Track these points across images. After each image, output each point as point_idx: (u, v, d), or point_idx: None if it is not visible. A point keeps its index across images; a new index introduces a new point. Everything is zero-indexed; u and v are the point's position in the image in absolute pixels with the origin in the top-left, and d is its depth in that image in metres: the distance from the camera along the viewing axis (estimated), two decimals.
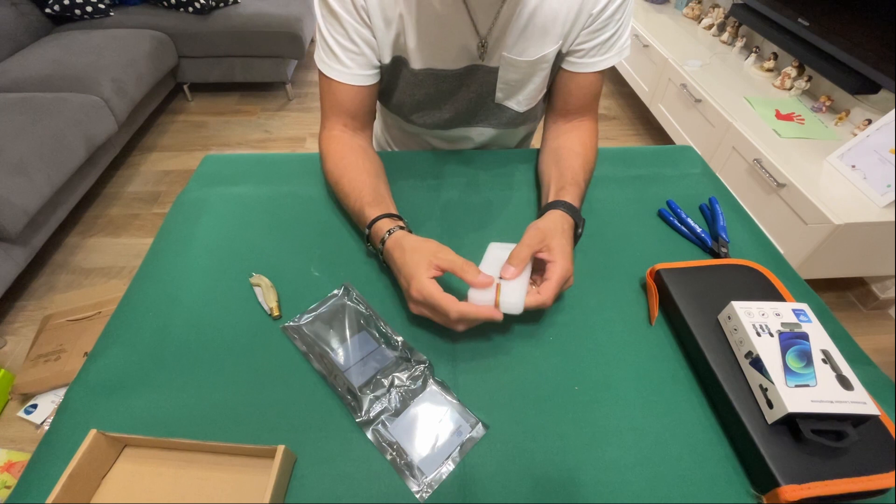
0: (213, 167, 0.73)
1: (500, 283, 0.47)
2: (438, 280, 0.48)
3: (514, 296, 0.46)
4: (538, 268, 0.51)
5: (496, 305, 0.45)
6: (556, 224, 0.52)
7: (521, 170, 0.73)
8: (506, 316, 0.46)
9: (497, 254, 0.50)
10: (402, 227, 0.54)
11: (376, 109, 0.87)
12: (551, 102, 0.73)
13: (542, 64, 0.64)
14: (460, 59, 0.63)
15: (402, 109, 0.72)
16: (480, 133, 0.77)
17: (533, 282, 0.51)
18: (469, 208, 0.66)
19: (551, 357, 0.50)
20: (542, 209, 0.59)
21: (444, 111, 0.71)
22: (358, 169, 0.62)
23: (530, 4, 0.58)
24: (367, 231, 0.56)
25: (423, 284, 0.46)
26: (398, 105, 0.72)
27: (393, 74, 0.66)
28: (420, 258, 0.48)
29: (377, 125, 0.93)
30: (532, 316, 0.53)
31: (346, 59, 0.61)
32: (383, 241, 0.53)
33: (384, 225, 0.54)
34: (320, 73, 0.64)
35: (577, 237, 0.57)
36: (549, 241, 0.50)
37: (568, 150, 0.66)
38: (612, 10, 0.59)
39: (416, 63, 0.63)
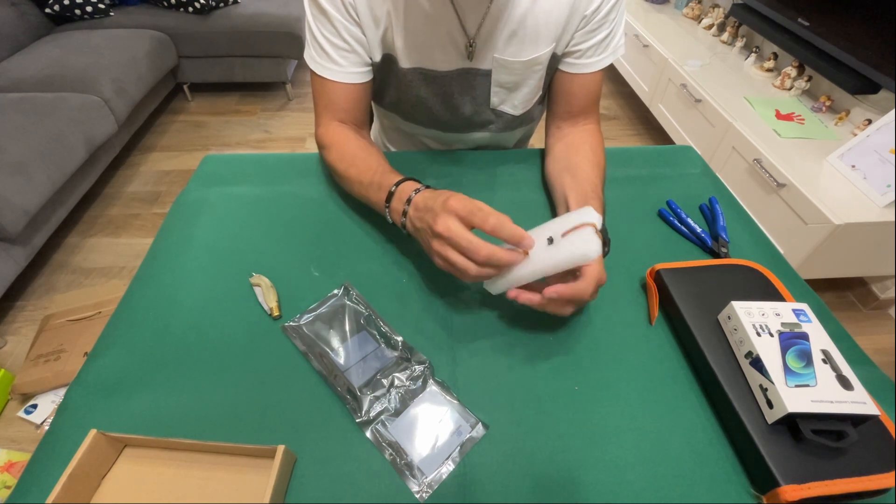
0: (213, 167, 0.73)
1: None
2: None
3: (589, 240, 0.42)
4: (561, 276, 0.48)
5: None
6: None
7: (520, 170, 0.73)
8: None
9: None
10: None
11: (372, 111, 0.87)
12: (552, 106, 0.72)
13: (536, 66, 0.64)
14: (449, 59, 0.63)
15: (397, 109, 0.72)
16: (477, 136, 0.77)
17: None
18: None
19: (551, 357, 0.50)
20: None
21: (438, 116, 0.71)
22: (370, 152, 0.61)
23: (521, 6, 0.57)
24: (393, 189, 0.53)
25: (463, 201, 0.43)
26: (393, 104, 0.72)
27: (384, 73, 0.66)
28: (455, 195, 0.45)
29: (374, 127, 0.93)
30: (532, 315, 0.53)
31: (338, 57, 0.60)
32: (409, 200, 0.50)
33: (412, 185, 0.52)
34: (312, 72, 0.63)
35: (604, 255, 0.54)
36: None
37: (582, 158, 0.63)
38: (605, 10, 0.59)
39: (405, 62, 0.63)
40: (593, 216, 0.44)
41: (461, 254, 0.43)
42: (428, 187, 0.52)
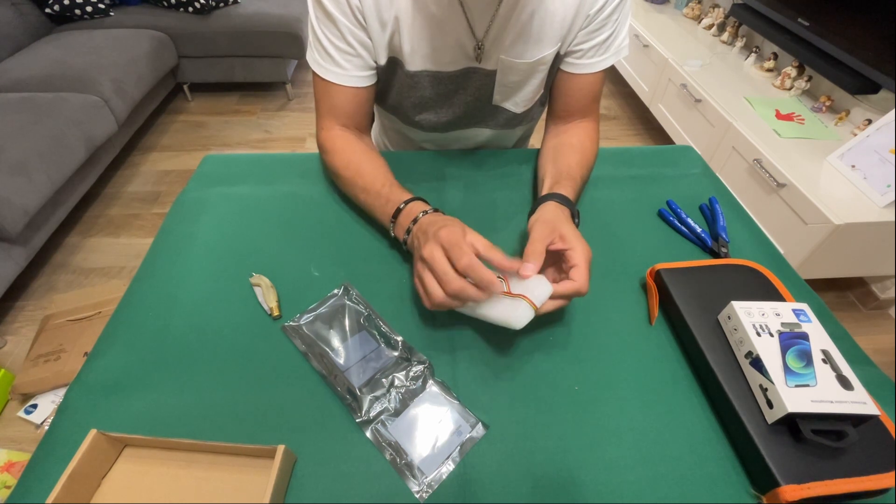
0: (213, 167, 0.73)
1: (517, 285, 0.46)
2: None
3: (541, 286, 0.45)
4: (553, 260, 0.51)
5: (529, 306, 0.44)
6: (556, 213, 0.52)
7: (522, 170, 0.73)
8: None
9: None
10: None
11: (374, 111, 0.87)
12: (551, 106, 0.72)
13: (541, 66, 0.64)
14: (456, 61, 0.63)
15: (399, 111, 0.72)
16: (477, 134, 0.77)
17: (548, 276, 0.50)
18: (470, 208, 0.66)
19: (551, 357, 0.50)
20: (534, 203, 0.58)
21: (441, 114, 0.71)
22: (377, 162, 0.62)
23: (528, 7, 0.57)
24: (402, 206, 0.55)
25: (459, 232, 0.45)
26: (394, 106, 0.72)
27: (389, 75, 0.66)
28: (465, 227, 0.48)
29: (375, 127, 0.93)
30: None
31: (342, 60, 0.60)
32: (416, 220, 0.52)
33: (421, 206, 0.54)
34: (315, 74, 0.63)
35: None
36: (560, 230, 0.49)
37: (566, 147, 0.66)
38: (609, 11, 0.59)
39: (412, 65, 0.63)
40: (542, 290, 0.45)
41: (436, 280, 0.45)
42: (436, 210, 0.54)
